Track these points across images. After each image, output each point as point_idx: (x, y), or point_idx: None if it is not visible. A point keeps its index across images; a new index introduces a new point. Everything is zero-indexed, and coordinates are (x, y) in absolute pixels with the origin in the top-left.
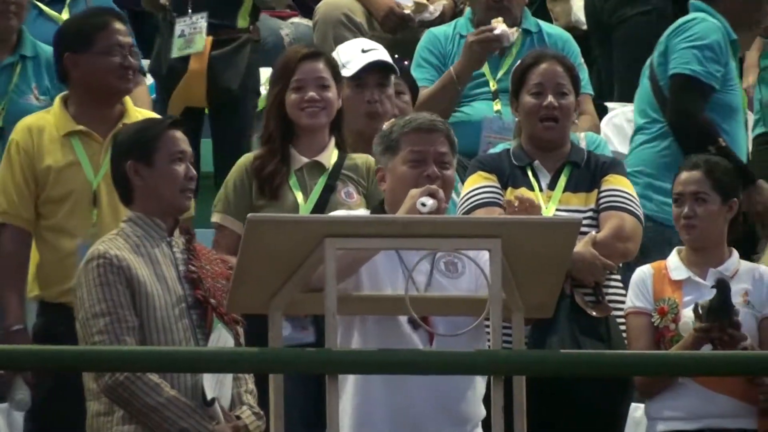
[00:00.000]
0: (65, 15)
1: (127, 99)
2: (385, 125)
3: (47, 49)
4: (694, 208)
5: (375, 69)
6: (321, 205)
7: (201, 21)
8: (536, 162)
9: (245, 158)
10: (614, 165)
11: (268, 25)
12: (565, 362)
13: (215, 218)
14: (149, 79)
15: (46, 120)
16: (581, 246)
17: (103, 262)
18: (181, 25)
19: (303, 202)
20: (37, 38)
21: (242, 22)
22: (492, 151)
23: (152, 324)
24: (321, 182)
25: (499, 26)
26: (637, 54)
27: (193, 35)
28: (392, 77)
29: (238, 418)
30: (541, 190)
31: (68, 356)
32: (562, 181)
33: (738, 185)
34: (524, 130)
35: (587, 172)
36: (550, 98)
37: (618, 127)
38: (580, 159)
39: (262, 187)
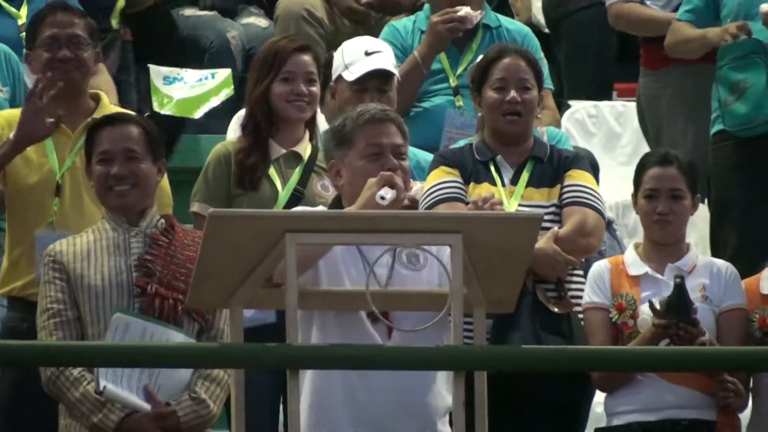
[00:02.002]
0: (23, 11)
1: (102, 95)
2: (337, 119)
3: (3, 47)
4: (670, 205)
5: (375, 76)
6: (297, 195)
7: None
8: (499, 157)
9: (220, 147)
10: (577, 160)
11: (214, 28)
12: (526, 357)
13: (194, 208)
14: None
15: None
16: (543, 242)
17: (48, 260)
18: None
19: (281, 189)
20: None
21: (115, 23)
22: (454, 146)
23: (87, 317)
24: (298, 172)
25: (462, 8)
26: (580, 50)
27: None
28: (394, 81)
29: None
30: (503, 185)
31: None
32: (525, 175)
33: (698, 180)
34: (487, 124)
35: (550, 167)
36: (513, 93)
37: (579, 123)
38: (543, 154)
39: (242, 177)
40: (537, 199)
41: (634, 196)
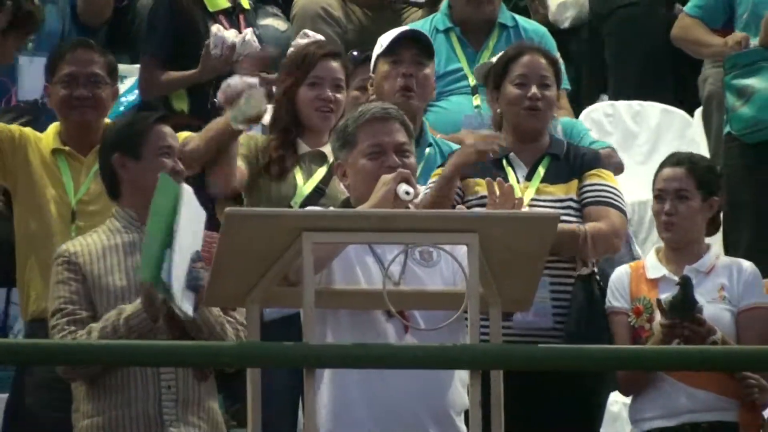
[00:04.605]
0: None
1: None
2: (341, 121)
3: None
4: (675, 205)
5: (411, 44)
6: (319, 192)
7: None
8: (512, 154)
9: (247, 138)
10: (597, 159)
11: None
12: (543, 356)
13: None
14: None
15: (41, 139)
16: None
17: (61, 260)
18: None
19: (302, 183)
20: None
21: None
22: None
23: (104, 314)
24: (323, 170)
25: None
26: (627, 47)
27: None
28: (433, 61)
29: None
30: (518, 181)
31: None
32: (540, 171)
33: (718, 183)
34: (506, 120)
35: (566, 163)
36: (534, 89)
37: (596, 122)
38: (560, 151)
39: (269, 165)
40: (552, 194)
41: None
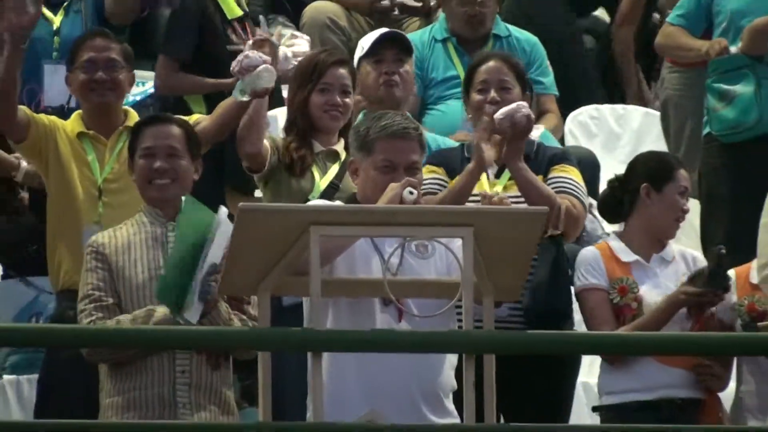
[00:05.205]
0: (59, 18)
1: (130, 110)
2: (362, 124)
3: None
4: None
5: (391, 45)
6: (334, 187)
7: None
8: None
9: (268, 138)
10: (565, 157)
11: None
12: (533, 341)
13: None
14: None
15: (67, 125)
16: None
17: (90, 250)
18: None
19: (319, 179)
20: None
21: None
22: (451, 146)
23: (128, 303)
24: (336, 167)
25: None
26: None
27: None
28: (412, 58)
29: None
30: (488, 178)
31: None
32: (509, 171)
33: None
34: (474, 125)
35: (534, 163)
36: (493, 93)
37: (582, 124)
38: (529, 151)
39: (292, 164)
40: (516, 191)
41: (652, 188)
